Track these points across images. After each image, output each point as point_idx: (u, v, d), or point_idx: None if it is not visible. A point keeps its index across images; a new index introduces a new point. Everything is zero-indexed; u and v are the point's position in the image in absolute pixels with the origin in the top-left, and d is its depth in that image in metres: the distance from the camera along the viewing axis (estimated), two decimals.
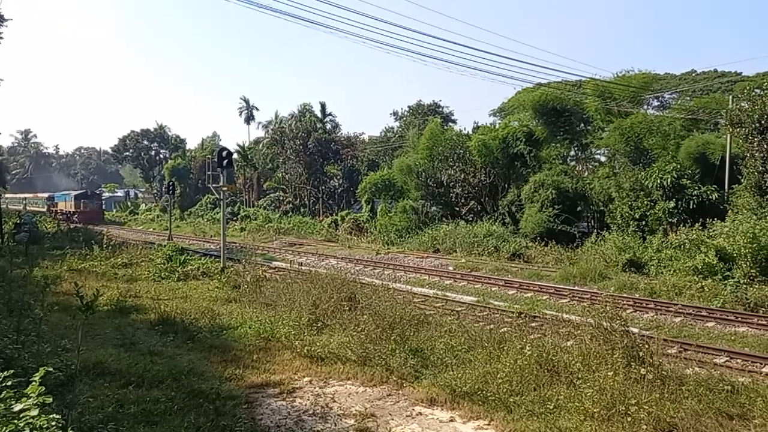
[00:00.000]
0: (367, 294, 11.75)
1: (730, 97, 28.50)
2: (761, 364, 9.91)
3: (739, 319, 13.82)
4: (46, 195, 72.79)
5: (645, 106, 36.16)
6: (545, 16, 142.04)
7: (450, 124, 51.12)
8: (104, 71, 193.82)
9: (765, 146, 20.22)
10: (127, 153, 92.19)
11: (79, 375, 6.88)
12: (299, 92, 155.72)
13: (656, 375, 7.32)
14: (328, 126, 58.87)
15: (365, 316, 9.84)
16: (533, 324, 11.51)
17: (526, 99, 37.56)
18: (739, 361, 10.25)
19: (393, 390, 7.86)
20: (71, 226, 41.00)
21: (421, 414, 7.07)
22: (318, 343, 9.38)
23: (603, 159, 38.40)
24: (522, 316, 11.44)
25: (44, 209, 67.07)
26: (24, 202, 76.23)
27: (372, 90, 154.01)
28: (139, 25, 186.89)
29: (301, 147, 50.59)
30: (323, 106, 59.03)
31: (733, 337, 12.43)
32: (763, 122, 20.48)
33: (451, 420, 6.87)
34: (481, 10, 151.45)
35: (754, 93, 22.89)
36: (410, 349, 8.95)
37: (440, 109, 55.94)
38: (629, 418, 6.31)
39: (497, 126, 38.04)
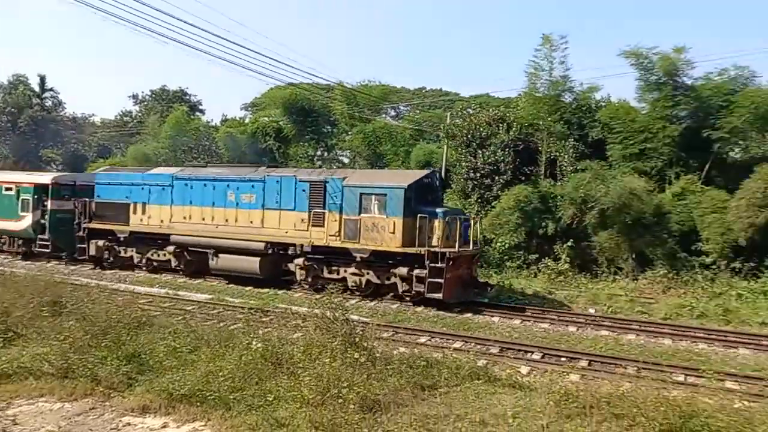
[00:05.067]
0: (78, 297, 10.30)
1: (448, 113, 33.38)
2: (451, 341, 11.69)
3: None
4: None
5: (384, 115, 39.90)
6: (306, 16, 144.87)
7: (198, 114, 48.56)
8: None
9: (470, 157, 24.14)
10: None
11: None
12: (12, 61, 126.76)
13: (368, 358, 8.04)
14: (49, 103, 50.46)
15: (72, 322, 8.62)
16: (265, 319, 11.57)
17: (277, 96, 37.88)
18: (436, 339, 11.91)
19: (98, 402, 7.05)
20: None
21: (129, 425, 6.48)
22: (4, 358, 7.84)
23: (346, 160, 41.16)
24: (253, 311, 11.42)
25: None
26: None
27: (108, 67, 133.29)
28: None
29: (9, 125, 42.19)
30: (42, 80, 50.29)
31: (435, 320, 14.12)
32: (469, 136, 24.43)
33: (164, 426, 6.47)
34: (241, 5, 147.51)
35: (465, 112, 27.11)
36: (125, 355, 8.11)
37: (187, 97, 52.68)
38: (340, 400, 6.73)
39: (247, 120, 37.56)
